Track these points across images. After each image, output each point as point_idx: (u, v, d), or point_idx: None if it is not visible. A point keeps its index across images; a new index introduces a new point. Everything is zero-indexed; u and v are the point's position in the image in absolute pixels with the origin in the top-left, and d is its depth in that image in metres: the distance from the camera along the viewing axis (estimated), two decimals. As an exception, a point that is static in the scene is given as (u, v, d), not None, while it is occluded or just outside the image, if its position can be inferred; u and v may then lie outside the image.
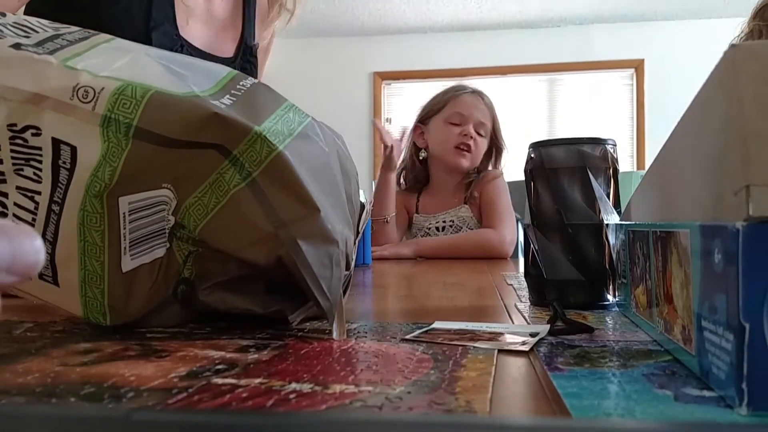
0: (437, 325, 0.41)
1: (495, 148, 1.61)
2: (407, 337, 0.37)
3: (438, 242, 1.49)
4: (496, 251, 1.40)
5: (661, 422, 0.22)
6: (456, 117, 1.54)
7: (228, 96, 0.39)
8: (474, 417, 0.22)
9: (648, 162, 3.64)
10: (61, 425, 0.18)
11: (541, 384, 0.27)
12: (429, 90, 1.68)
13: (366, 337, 0.38)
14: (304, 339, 0.37)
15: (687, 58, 4.10)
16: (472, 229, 1.53)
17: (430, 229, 1.57)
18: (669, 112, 3.87)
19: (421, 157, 1.61)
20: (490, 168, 1.61)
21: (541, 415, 0.23)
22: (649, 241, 0.35)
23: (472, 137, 1.52)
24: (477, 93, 1.60)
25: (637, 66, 4.26)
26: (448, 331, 0.39)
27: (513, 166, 1.76)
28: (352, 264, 0.48)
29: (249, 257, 0.39)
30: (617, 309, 0.49)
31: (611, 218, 0.51)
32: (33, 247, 0.19)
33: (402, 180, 1.66)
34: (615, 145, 0.53)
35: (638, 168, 4.14)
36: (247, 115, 0.38)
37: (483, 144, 1.57)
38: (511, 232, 1.46)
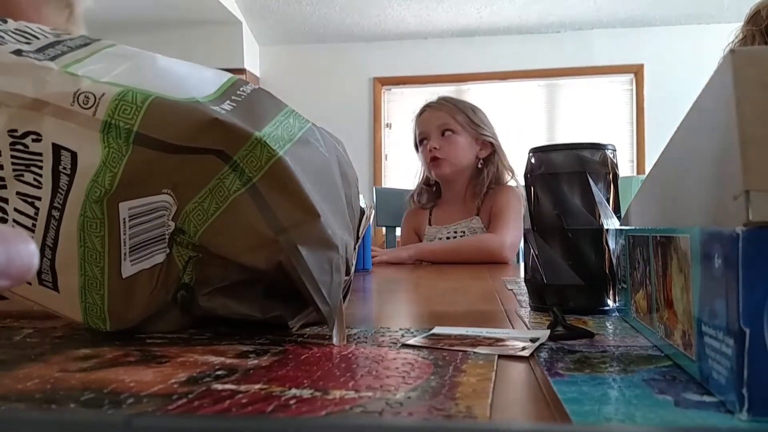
0: (437, 330, 0.41)
1: (485, 141, 1.60)
2: (407, 342, 0.37)
3: (437, 246, 1.49)
4: (495, 255, 1.39)
5: (661, 427, 0.22)
6: (420, 136, 1.64)
7: (228, 102, 0.39)
8: (474, 422, 0.22)
9: (648, 167, 3.64)
10: (61, 431, 0.18)
11: (541, 389, 0.27)
12: (429, 95, 1.70)
13: (366, 342, 0.38)
14: (304, 344, 0.37)
15: (686, 63, 4.10)
16: None
17: (441, 239, 1.58)
18: (668, 117, 3.87)
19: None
20: (498, 169, 1.61)
21: (541, 421, 0.23)
22: (649, 246, 0.35)
23: (435, 148, 1.57)
24: (433, 105, 1.64)
25: (637, 71, 4.26)
26: (449, 336, 0.39)
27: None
28: (352, 269, 0.48)
29: (249, 262, 0.39)
30: (617, 314, 0.49)
31: (611, 223, 0.51)
32: (27, 251, 0.19)
33: (416, 198, 1.70)
34: (615, 150, 0.53)
35: (638, 173, 4.14)
36: (248, 120, 0.38)
37: (455, 142, 1.58)
38: (512, 236, 1.45)
